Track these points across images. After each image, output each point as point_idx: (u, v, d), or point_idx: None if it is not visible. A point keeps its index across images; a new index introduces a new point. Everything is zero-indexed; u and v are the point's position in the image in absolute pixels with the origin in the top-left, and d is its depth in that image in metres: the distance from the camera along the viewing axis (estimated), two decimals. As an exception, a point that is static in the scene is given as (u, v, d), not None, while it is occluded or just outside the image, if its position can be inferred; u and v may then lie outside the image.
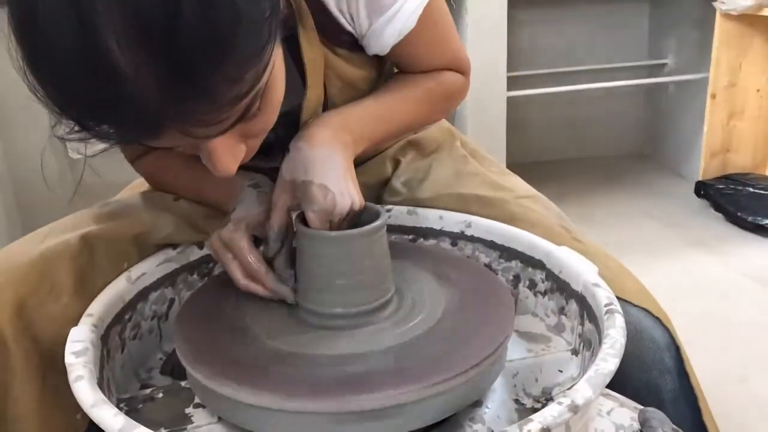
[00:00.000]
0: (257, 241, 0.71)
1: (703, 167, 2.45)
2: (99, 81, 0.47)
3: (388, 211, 0.87)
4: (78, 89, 0.48)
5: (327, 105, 0.78)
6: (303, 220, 0.67)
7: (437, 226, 0.86)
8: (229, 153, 0.60)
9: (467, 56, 0.87)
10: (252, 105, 0.56)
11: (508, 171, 0.96)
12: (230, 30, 0.48)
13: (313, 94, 0.76)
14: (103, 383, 0.61)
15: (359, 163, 0.94)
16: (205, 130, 0.52)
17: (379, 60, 0.83)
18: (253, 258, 0.68)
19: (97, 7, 0.45)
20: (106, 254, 0.73)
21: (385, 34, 0.76)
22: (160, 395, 0.66)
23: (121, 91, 0.47)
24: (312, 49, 0.74)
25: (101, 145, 0.80)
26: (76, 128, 0.51)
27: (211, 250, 0.72)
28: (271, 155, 0.78)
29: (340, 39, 0.77)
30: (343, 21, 0.75)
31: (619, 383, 0.64)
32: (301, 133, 0.72)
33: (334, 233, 0.65)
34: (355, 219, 0.69)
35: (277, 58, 0.59)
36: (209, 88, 0.49)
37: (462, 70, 0.86)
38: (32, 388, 0.66)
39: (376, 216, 0.66)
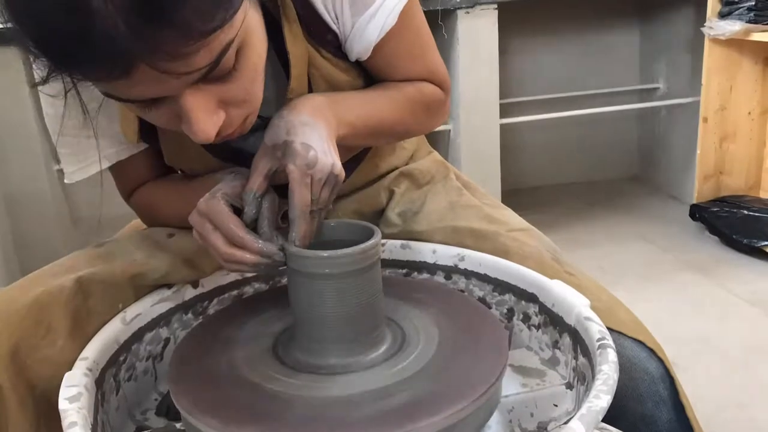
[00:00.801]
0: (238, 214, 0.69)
1: (697, 190, 2.47)
2: (70, 13, 0.49)
3: (382, 245, 0.88)
4: (51, 22, 0.50)
5: None
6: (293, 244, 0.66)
7: (431, 260, 0.86)
8: (206, 113, 0.60)
9: (446, 73, 0.88)
10: (225, 52, 0.57)
11: (501, 204, 0.97)
12: None
13: (297, 84, 0.76)
14: (97, 427, 0.61)
15: (353, 190, 0.95)
16: (175, 64, 0.53)
17: (363, 70, 0.84)
18: (233, 223, 0.66)
19: None
20: (100, 297, 0.74)
21: (368, 30, 0.76)
22: (155, 438, 0.66)
23: (92, 23, 0.49)
24: (296, 43, 0.75)
25: (95, 168, 0.82)
26: (51, 69, 0.53)
27: (192, 226, 0.70)
28: None
29: (326, 39, 0.77)
30: (328, 18, 0.76)
31: (616, 415, 0.64)
32: (284, 105, 0.72)
33: (326, 253, 0.63)
34: (336, 188, 0.67)
35: (253, 19, 0.61)
36: (178, 18, 0.51)
37: (441, 84, 0.87)
38: (27, 433, 0.66)
39: (370, 235, 0.66)
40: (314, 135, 0.67)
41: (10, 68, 1.98)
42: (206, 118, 0.60)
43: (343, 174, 0.68)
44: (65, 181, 0.85)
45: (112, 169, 0.86)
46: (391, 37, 0.78)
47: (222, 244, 0.66)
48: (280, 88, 0.77)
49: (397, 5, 0.76)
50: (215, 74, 0.59)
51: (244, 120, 0.67)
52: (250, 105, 0.66)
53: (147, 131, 0.83)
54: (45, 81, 0.56)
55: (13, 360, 0.67)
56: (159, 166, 0.88)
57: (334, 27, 0.77)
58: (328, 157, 0.66)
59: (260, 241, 0.66)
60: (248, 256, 0.66)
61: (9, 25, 0.53)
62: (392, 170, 0.98)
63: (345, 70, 0.81)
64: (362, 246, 0.63)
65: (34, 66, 0.56)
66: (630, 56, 2.97)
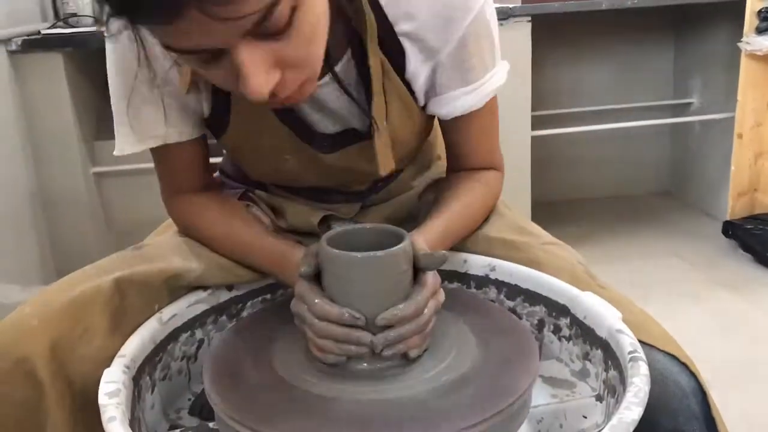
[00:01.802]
0: None
1: (730, 206, 2.44)
2: None
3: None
4: None
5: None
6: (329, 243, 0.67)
7: (462, 269, 0.87)
8: (260, 69, 0.60)
9: (502, 155, 0.96)
10: (276, 2, 0.57)
11: (530, 221, 0.97)
12: None
13: (379, 100, 0.78)
14: (134, 424, 0.63)
15: (388, 198, 0.96)
16: (223, 8, 0.54)
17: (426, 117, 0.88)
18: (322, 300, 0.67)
19: None
20: (138, 297, 0.75)
21: (459, 102, 0.82)
22: (189, 436, 0.67)
23: None
24: (374, 59, 0.77)
25: (148, 144, 0.83)
26: (110, 13, 0.57)
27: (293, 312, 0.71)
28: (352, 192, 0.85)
29: (397, 63, 0.79)
30: (409, 55, 0.79)
31: (646, 429, 0.64)
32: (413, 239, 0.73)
33: (359, 254, 0.64)
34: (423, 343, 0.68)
35: None
36: None
37: (500, 167, 0.95)
38: (65, 429, 0.68)
39: (401, 239, 0.66)
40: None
41: (52, 74, 2.03)
42: (260, 73, 0.60)
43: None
44: (114, 153, 0.83)
45: (159, 156, 0.86)
46: (475, 114, 0.84)
47: (314, 320, 0.67)
48: (360, 99, 0.80)
49: (492, 92, 0.85)
50: (269, 29, 0.59)
51: (302, 86, 0.66)
52: (307, 68, 0.65)
53: (217, 112, 0.83)
54: (105, 24, 0.60)
55: (54, 357, 0.68)
56: (205, 172, 0.89)
57: (411, 68, 0.80)
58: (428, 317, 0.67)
59: (345, 310, 0.65)
60: (338, 329, 0.65)
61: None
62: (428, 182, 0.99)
63: (410, 100, 0.83)
64: (394, 249, 0.65)
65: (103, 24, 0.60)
66: (664, 71, 2.94)
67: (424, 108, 0.85)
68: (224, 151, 1.00)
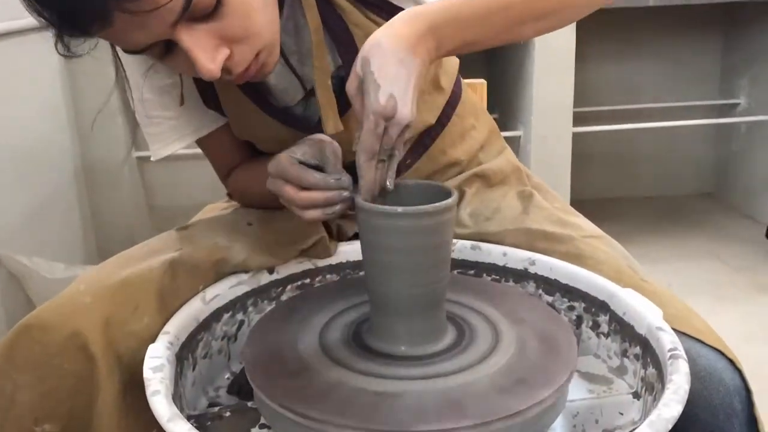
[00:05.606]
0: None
1: (775, 210, 2.39)
2: None
3: (453, 245, 0.88)
4: None
5: None
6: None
7: (501, 263, 0.87)
8: (205, 50, 0.65)
9: None
10: None
11: (573, 210, 0.96)
12: None
13: (317, 50, 0.78)
14: (176, 398, 0.64)
15: (419, 178, 0.95)
16: (143, 3, 0.59)
17: None
18: (298, 168, 0.70)
19: None
20: (185, 278, 0.77)
21: None
22: (228, 414, 0.69)
23: None
24: (310, 12, 0.77)
25: (178, 146, 0.89)
26: (57, 31, 0.62)
27: (270, 188, 0.75)
28: (309, 128, 0.82)
29: (369, 1, 0.78)
30: None
31: (684, 424, 0.63)
32: (390, 24, 0.66)
33: (401, 209, 0.63)
34: (405, 136, 0.67)
35: None
36: None
37: None
38: (114, 402, 0.70)
39: (447, 196, 0.65)
40: (401, 79, 0.64)
41: (100, 56, 2.06)
42: (205, 54, 0.65)
43: (413, 120, 0.65)
44: (151, 158, 0.90)
45: (202, 149, 0.91)
46: None
47: (295, 192, 0.71)
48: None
49: None
50: (198, 12, 0.63)
51: (257, 57, 0.70)
52: (254, 40, 0.69)
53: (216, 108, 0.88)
54: (59, 42, 0.65)
55: (105, 333, 0.71)
56: (247, 147, 0.92)
57: None
58: (405, 109, 0.64)
59: (330, 178, 0.69)
60: (319, 194, 0.69)
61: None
62: (458, 162, 0.97)
63: None
64: (439, 204, 0.63)
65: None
66: (711, 69, 2.89)
67: None
68: None
